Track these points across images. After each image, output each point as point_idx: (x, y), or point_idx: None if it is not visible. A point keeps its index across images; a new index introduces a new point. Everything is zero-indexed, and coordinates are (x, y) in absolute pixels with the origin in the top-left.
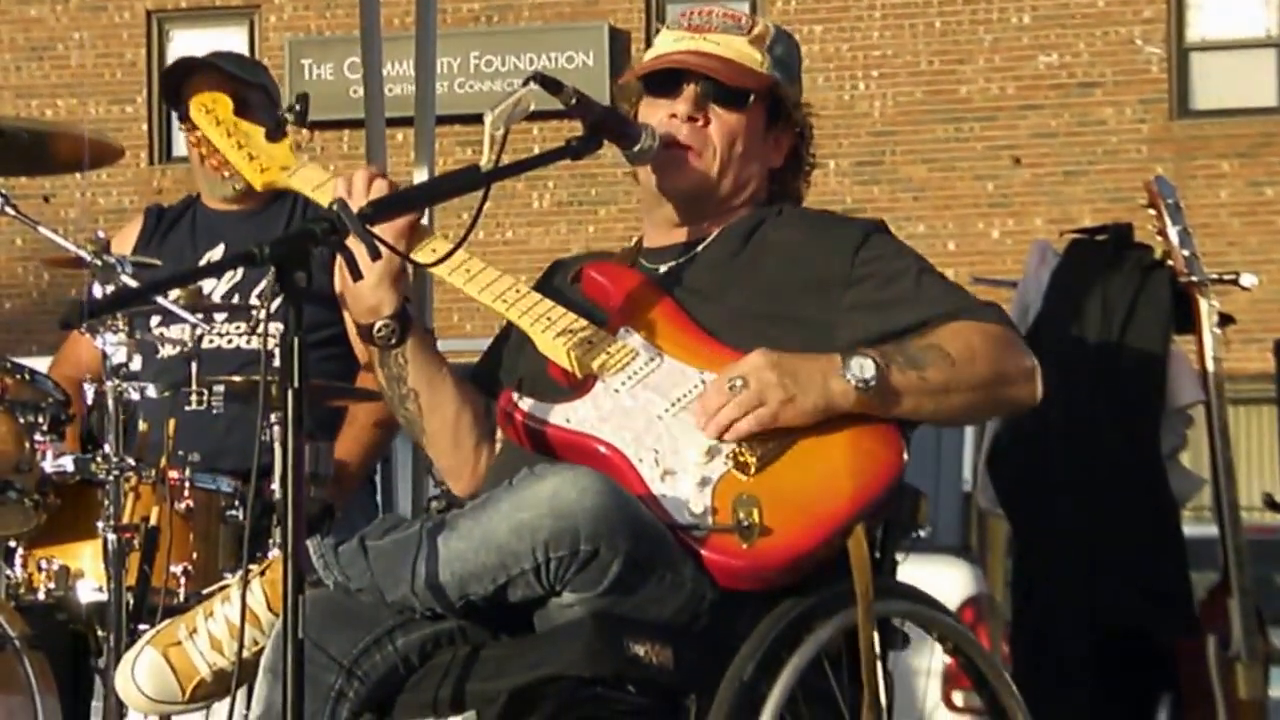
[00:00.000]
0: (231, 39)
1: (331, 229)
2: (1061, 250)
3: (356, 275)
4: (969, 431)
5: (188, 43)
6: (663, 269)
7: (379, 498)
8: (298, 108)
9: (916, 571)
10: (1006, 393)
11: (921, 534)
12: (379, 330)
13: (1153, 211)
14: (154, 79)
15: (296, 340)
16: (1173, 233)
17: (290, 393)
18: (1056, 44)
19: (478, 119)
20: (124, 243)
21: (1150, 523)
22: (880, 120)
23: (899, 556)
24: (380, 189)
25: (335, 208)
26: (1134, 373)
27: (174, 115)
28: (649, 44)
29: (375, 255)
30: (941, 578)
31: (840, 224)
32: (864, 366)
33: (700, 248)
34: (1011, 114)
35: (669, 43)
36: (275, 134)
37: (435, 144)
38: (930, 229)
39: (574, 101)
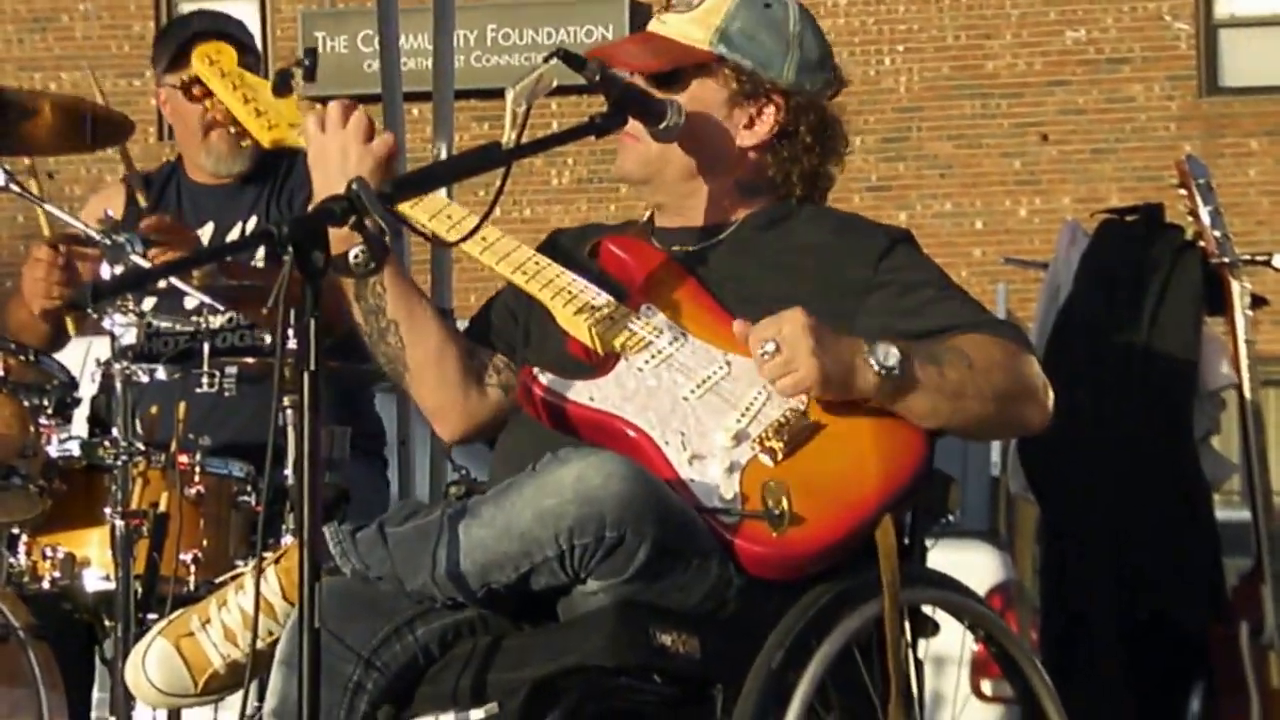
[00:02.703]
0: (242, 10)
1: (350, 208)
2: (1092, 231)
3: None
4: None
5: None
6: (675, 248)
7: (395, 480)
8: (306, 63)
9: (945, 557)
10: (1019, 410)
11: (951, 519)
12: (355, 258)
13: (1184, 192)
14: None
15: (314, 322)
16: (1204, 213)
17: (307, 376)
18: (1084, 19)
19: (495, 93)
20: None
21: (1182, 508)
22: (906, 96)
23: (928, 542)
24: (358, 123)
25: (354, 186)
26: (1165, 355)
27: (159, 74)
28: None
29: (396, 234)
30: (970, 563)
31: (867, 229)
32: (889, 354)
33: (723, 234)
34: (1039, 90)
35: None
36: (282, 88)
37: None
38: (957, 207)
39: (597, 78)
